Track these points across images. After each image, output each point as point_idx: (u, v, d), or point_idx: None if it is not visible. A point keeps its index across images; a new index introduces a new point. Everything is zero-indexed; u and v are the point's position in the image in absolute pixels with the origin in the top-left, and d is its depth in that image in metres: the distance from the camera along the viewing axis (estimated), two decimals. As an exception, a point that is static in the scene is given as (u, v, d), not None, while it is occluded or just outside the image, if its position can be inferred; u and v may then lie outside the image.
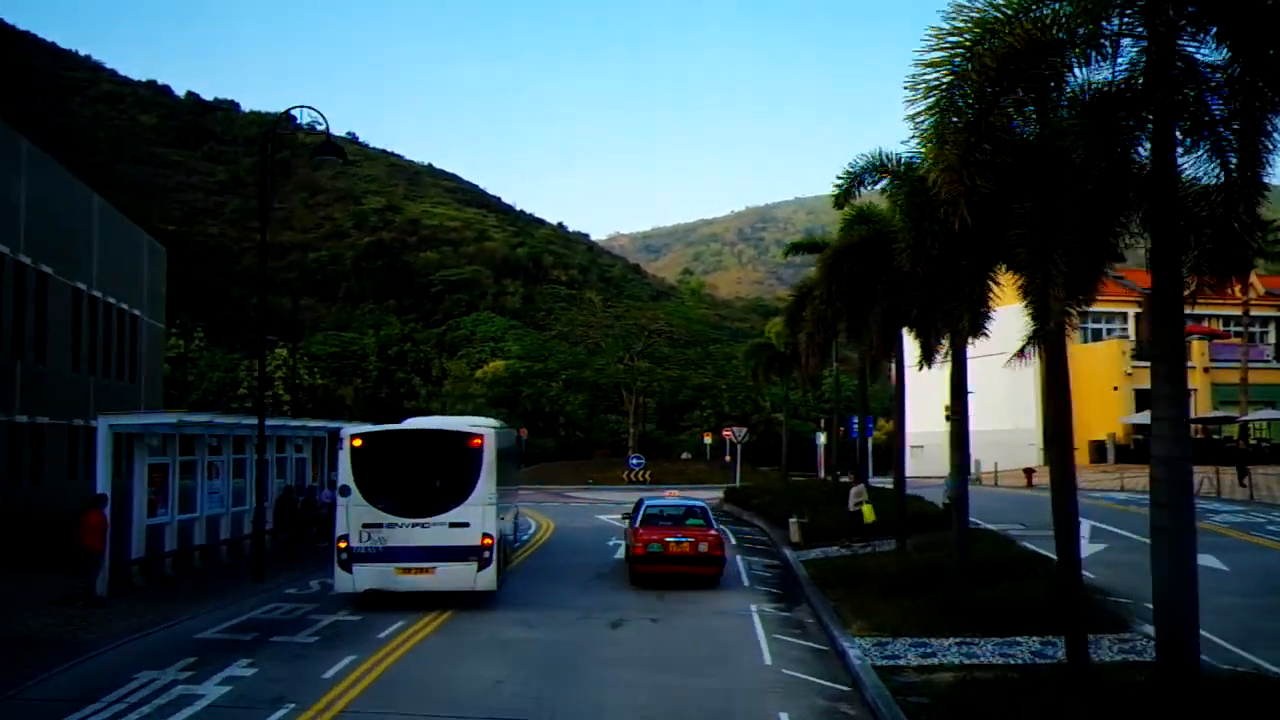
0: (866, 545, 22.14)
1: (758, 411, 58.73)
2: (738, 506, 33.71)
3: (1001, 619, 13.92)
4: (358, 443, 17.37)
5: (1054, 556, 20.12)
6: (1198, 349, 51.44)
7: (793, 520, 24.24)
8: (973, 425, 52.86)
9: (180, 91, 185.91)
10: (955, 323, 12.95)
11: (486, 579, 16.78)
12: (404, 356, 67.06)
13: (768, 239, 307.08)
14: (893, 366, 24.30)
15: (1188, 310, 9.16)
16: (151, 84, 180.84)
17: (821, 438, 70.86)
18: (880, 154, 15.28)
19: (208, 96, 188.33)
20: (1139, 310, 52.64)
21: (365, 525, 16.55)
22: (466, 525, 16.85)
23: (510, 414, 71.77)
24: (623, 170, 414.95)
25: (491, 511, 17.22)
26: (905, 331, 19.33)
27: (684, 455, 59.06)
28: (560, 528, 30.15)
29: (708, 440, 75.83)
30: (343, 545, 16.55)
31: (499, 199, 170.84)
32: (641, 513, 20.54)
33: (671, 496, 24.52)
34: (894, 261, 12.94)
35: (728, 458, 66.92)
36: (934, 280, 11.76)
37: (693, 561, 18.77)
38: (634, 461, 45.46)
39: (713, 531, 19.69)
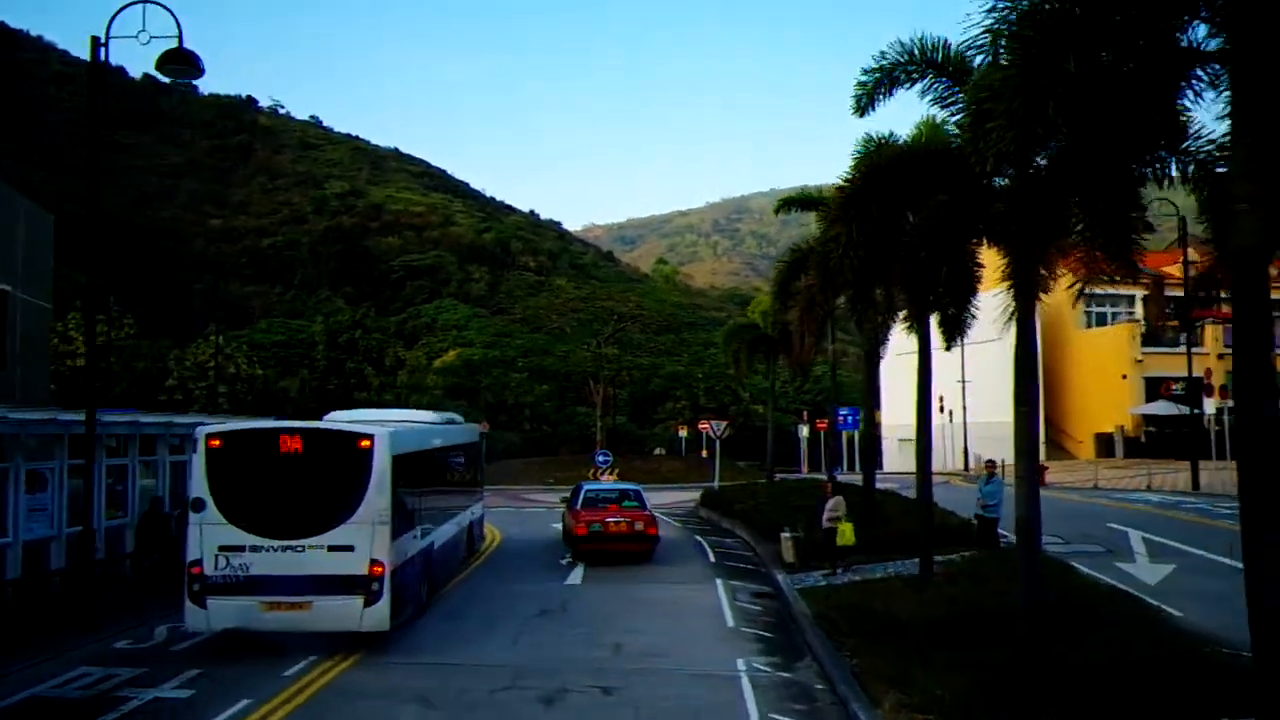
0: (846, 571, 17.83)
1: (736, 403, 54.24)
2: (716, 513, 29.19)
3: (1114, 696, 9.53)
4: (215, 444, 13.24)
5: (1130, 589, 16.11)
6: (1210, 334, 47.70)
7: (785, 534, 19.83)
8: (969, 417, 48.43)
9: (136, 73, 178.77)
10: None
11: (376, 617, 12.84)
12: (355, 345, 62.05)
13: (743, 230, 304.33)
14: (899, 348, 20.02)
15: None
16: (106, 64, 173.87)
17: (804, 431, 66.70)
18: (924, 41, 10.80)
19: (165, 79, 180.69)
20: (1147, 292, 48.83)
21: (223, 549, 12.76)
22: (350, 549, 12.86)
23: (470, 407, 67.01)
24: (598, 162, 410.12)
25: (384, 532, 12.99)
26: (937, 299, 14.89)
27: (657, 451, 54.61)
28: (507, 540, 25.58)
29: (682, 434, 71.43)
30: (196, 573, 12.76)
31: (467, 184, 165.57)
32: (581, 496, 23.00)
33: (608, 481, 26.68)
34: (962, 174, 8.42)
35: (704, 453, 62.50)
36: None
37: (630, 540, 20.92)
38: (600, 458, 40.87)
39: (646, 512, 21.89)
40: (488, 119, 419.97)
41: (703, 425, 66.06)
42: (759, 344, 31.02)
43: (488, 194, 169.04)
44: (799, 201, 21.76)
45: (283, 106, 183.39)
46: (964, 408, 50.43)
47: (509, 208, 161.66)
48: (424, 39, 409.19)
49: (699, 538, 25.26)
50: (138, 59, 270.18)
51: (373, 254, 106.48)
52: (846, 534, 18.08)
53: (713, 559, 21.80)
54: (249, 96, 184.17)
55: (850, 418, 62.67)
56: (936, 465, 53.61)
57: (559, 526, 26.63)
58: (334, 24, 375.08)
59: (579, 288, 53.24)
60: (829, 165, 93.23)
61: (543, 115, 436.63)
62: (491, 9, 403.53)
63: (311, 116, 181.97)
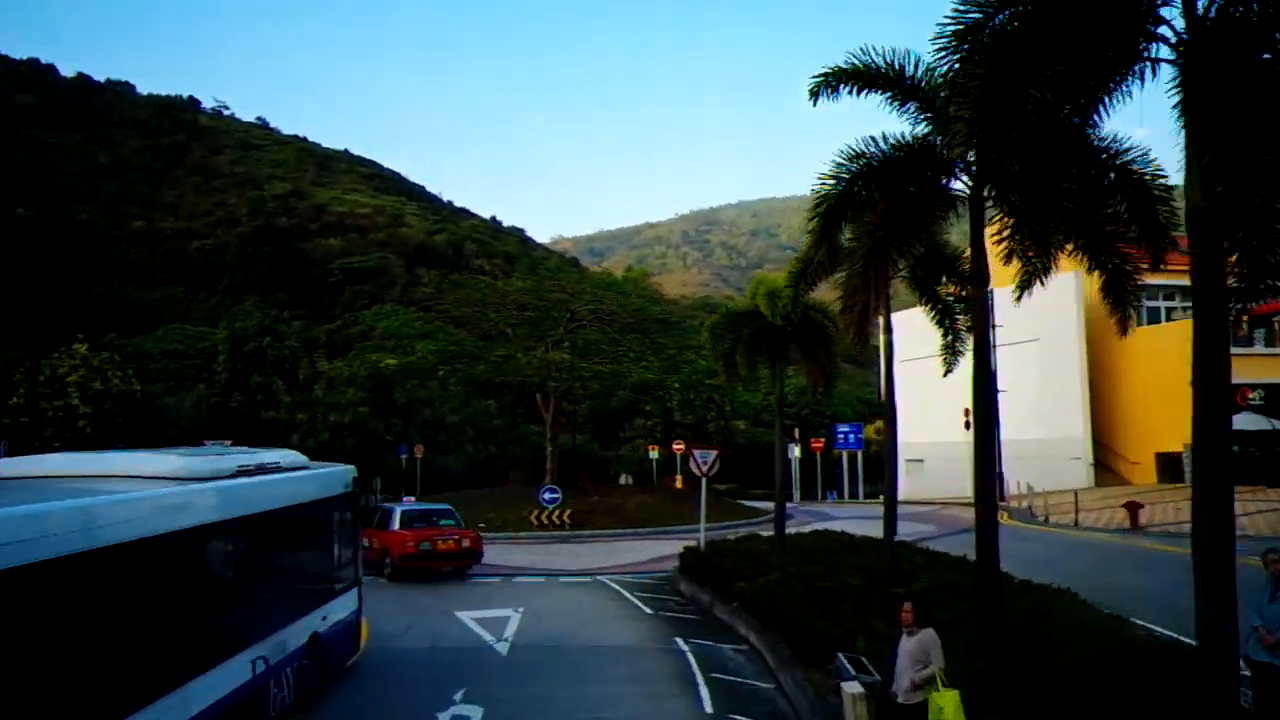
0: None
1: (719, 417, 44.53)
2: (705, 589, 19.36)
3: None
4: None
5: None
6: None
7: (849, 687, 10.26)
8: (1007, 433, 38.71)
9: (68, 71, 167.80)
10: None
11: None
12: (263, 354, 52.00)
13: (713, 242, 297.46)
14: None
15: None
16: (33, 62, 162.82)
17: (794, 451, 57.40)
18: None
19: (100, 78, 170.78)
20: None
21: None
22: None
23: (405, 424, 57.14)
24: (566, 175, 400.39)
25: None
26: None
27: (623, 479, 45.15)
28: (373, 656, 15.63)
29: (652, 454, 61.90)
30: None
31: (422, 188, 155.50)
32: (397, 517, 23.95)
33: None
34: None
35: (678, 480, 53.01)
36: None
37: (458, 556, 23.42)
38: (546, 496, 31.22)
39: (469, 531, 24.25)
40: (453, 132, 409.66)
41: (677, 446, 56.70)
42: (763, 339, 21.57)
43: (445, 198, 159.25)
44: (850, 76, 12.34)
45: (227, 108, 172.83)
46: (994, 422, 41.33)
47: (468, 213, 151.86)
48: (391, 50, 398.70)
49: (681, 643, 15.75)
50: (70, 57, 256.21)
51: (309, 257, 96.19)
52: (948, 711, 8.55)
53: (710, 707, 12.26)
54: (190, 97, 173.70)
55: (852, 435, 53.43)
56: (954, 491, 44.38)
57: (469, 622, 17.13)
58: (296, 29, 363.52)
59: (524, 279, 43.18)
60: (798, 179, 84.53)
61: (509, 128, 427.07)
62: (462, 22, 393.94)
63: (258, 118, 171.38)
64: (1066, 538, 28.69)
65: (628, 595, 20.64)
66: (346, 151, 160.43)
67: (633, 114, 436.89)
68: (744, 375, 23.01)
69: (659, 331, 40.50)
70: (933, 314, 17.32)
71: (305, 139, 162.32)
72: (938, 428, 50.92)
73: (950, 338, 17.53)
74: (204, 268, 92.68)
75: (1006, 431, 42.76)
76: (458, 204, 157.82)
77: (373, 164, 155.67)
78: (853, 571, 16.81)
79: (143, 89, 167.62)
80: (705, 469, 21.30)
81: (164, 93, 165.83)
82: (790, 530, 24.55)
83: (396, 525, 23.41)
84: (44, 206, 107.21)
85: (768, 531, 25.03)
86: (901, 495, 49.23)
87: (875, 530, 18.77)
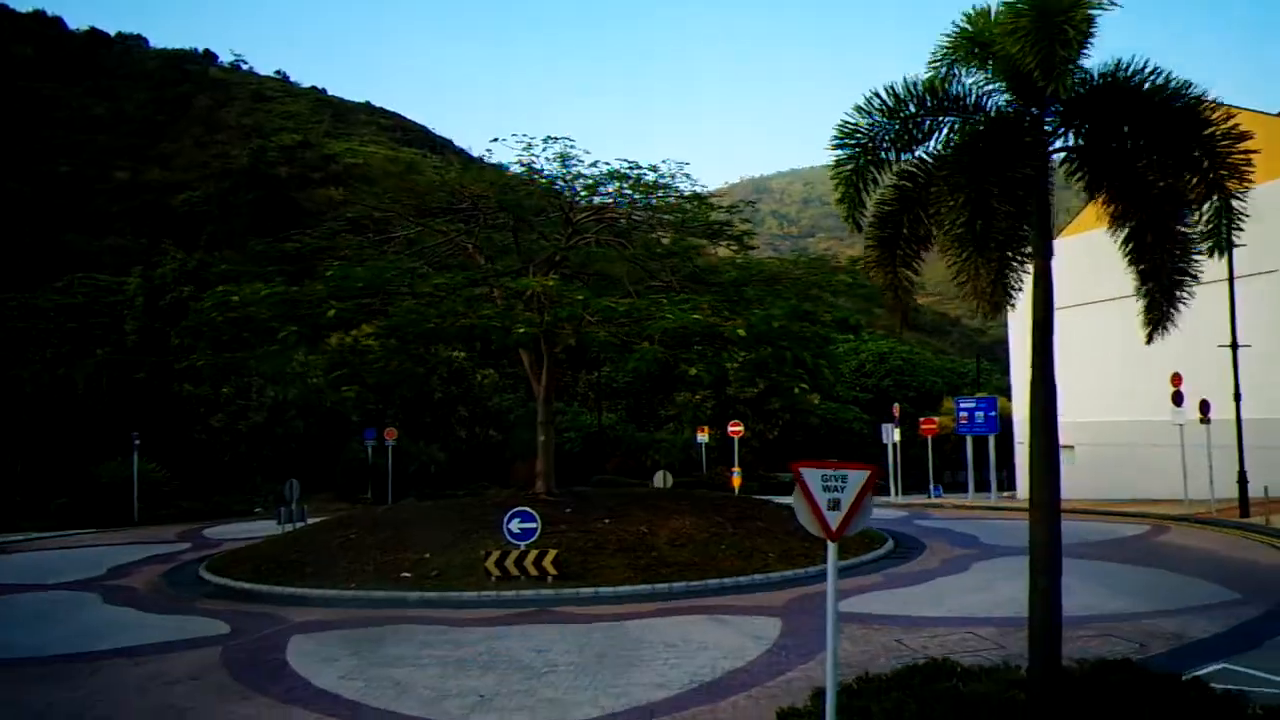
0: None
1: (792, 385, 28.74)
2: None
3: None
4: None
5: None
6: None
7: None
8: (1223, 411, 26.33)
9: (78, 24, 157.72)
10: None
11: None
12: (184, 308, 38.98)
13: (763, 210, 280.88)
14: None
15: None
16: (39, 14, 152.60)
17: (893, 434, 43.02)
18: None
19: (111, 30, 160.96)
20: None
21: None
22: None
23: (379, 404, 43.99)
24: (613, 139, 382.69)
25: None
26: None
27: (658, 479, 31.04)
28: None
29: (702, 438, 48.10)
30: None
31: (449, 141, 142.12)
32: None
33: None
34: None
35: (735, 477, 38.92)
36: None
37: None
38: (514, 527, 17.48)
39: None
40: (493, 95, 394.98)
41: (734, 429, 42.70)
42: (1008, 148, 7.51)
43: (475, 154, 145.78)
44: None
45: (245, 62, 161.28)
46: (1236, 393, 26.59)
47: (502, 169, 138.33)
48: (433, 13, 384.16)
49: None
50: (78, 10, 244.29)
51: (302, 207, 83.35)
52: None
53: None
54: (205, 50, 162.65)
55: (981, 414, 38.88)
56: (1169, 491, 29.69)
57: None
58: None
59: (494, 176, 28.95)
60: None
61: (553, 91, 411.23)
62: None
63: (277, 71, 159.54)
64: None
65: None
66: (368, 103, 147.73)
67: (680, 81, 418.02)
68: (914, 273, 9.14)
69: (710, 273, 26.08)
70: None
71: (324, 90, 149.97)
72: (1092, 402, 36.37)
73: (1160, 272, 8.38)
74: (185, 219, 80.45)
75: (1252, 407, 28.28)
76: (491, 160, 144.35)
77: (395, 115, 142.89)
78: None
79: (157, 44, 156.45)
80: (838, 524, 7.43)
81: (178, 46, 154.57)
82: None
83: None
84: (20, 157, 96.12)
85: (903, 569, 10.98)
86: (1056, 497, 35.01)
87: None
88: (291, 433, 39.15)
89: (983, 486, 38.96)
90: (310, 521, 26.53)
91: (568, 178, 25.11)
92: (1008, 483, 40.93)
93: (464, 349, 41.50)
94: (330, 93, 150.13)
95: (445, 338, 24.73)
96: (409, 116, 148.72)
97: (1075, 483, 36.32)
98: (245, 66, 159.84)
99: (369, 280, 21.78)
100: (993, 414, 36.75)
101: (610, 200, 25.38)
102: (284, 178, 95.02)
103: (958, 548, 23.36)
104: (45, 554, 27.02)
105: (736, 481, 38.71)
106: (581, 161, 25.29)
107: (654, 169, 25.27)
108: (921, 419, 42.38)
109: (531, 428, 28.80)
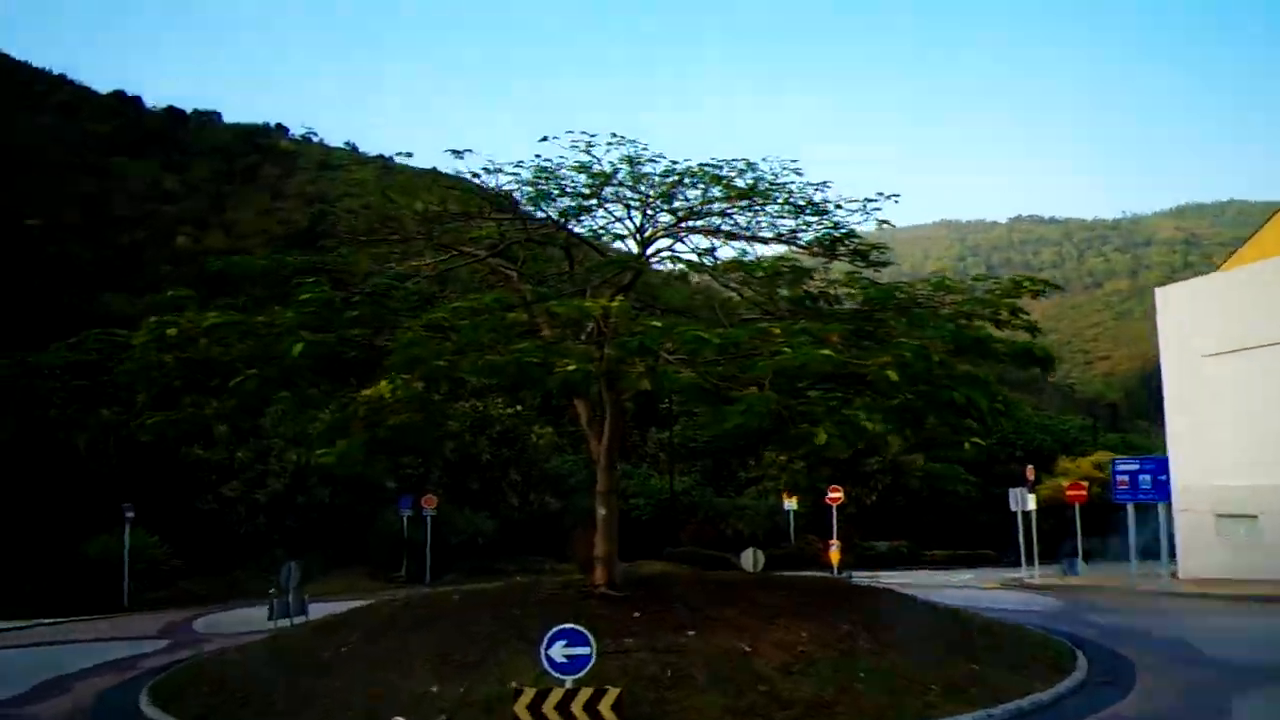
0: None
1: (961, 439, 22.43)
2: None
3: None
4: None
5: None
6: None
7: None
8: None
9: (156, 102, 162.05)
10: None
11: None
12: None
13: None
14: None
15: None
16: (118, 94, 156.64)
17: (1026, 501, 35.99)
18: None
19: (188, 108, 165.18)
20: None
21: None
22: None
23: (422, 466, 38.75)
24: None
25: None
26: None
27: (746, 557, 24.43)
28: None
29: (790, 505, 41.76)
30: None
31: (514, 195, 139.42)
32: None
33: None
34: None
35: (834, 552, 32.34)
36: None
37: None
38: (555, 654, 11.32)
39: None
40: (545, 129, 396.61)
41: (834, 495, 36.15)
42: None
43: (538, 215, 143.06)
44: None
45: (315, 134, 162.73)
46: None
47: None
48: (498, 81, 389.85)
49: None
50: (156, 90, 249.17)
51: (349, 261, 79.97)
52: None
53: None
54: (278, 125, 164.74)
55: (1149, 477, 31.58)
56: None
57: None
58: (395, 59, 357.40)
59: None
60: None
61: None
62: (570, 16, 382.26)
63: (346, 143, 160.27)
64: None
65: None
66: (434, 169, 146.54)
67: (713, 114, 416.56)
68: None
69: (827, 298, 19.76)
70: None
71: (390, 159, 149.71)
72: (1257, 458, 29.30)
73: None
74: (234, 279, 77.46)
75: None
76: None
77: (459, 178, 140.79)
78: None
79: (230, 119, 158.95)
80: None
81: (252, 121, 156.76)
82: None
83: None
84: (87, 227, 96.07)
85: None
86: (1216, 572, 27.59)
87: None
88: (314, 501, 33.96)
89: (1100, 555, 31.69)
90: (309, 619, 20.93)
91: (634, 181, 19.34)
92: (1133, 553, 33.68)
93: (508, 399, 35.99)
94: (396, 160, 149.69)
95: (464, 380, 18.74)
96: (478, 181, 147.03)
97: (1265, 561, 28.97)
98: (315, 139, 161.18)
99: (357, 304, 16.38)
100: (1162, 478, 29.57)
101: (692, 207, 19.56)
102: (334, 234, 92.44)
103: (1179, 665, 16.60)
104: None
105: (835, 556, 32.26)
106: (656, 162, 19.53)
107: (750, 166, 19.33)
108: (1068, 483, 35.17)
109: (594, 494, 22.33)
